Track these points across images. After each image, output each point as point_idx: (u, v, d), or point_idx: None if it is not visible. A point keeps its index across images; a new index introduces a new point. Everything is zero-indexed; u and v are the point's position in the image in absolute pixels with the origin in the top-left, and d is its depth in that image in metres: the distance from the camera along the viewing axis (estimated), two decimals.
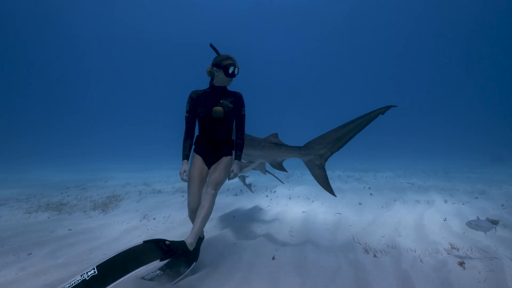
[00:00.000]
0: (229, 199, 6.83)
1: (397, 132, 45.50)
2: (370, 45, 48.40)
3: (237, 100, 3.46)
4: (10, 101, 47.76)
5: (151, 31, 44.70)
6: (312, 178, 10.67)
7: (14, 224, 4.59)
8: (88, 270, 2.15)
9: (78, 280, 2.07)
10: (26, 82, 49.46)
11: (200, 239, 3.38)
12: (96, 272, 2.13)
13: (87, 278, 2.08)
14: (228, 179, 3.45)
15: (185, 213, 5.38)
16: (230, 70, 3.22)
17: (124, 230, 4.28)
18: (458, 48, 46.57)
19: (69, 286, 2.02)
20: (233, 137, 3.62)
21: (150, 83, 56.13)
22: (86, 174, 12.49)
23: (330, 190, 4.56)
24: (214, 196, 3.20)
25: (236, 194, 7.33)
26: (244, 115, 3.52)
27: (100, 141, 36.47)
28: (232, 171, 3.38)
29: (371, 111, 4.37)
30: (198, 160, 3.45)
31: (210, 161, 3.48)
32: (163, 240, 2.63)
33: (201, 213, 3.03)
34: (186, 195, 7.22)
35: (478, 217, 3.88)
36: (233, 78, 3.34)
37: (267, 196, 7.11)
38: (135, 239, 3.87)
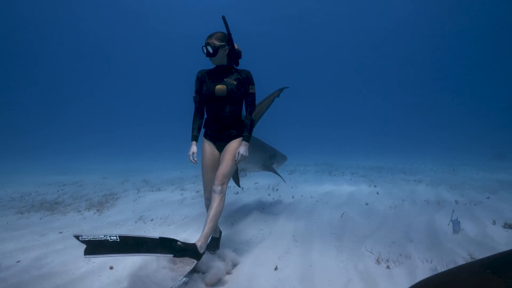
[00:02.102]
0: (230, 197, 6.57)
1: (395, 129, 45.04)
2: (369, 44, 47.73)
3: (243, 78, 3.32)
4: (13, 98, 47.63)
5: (154, 26, 44.06)
6: (314, 175, 10.41)
7: (4, 226, 4.36)
8: (112, 235, 2.43)
9: (101, 237, 2.37)
10: (28, 79, 49.20)
11: (216, 239, 3.50)
12: (118, 240, 2.43)
13: (109, 239, 2.38)
14: (235, 162, 3.31)
15: (183, 214, 5.16)
16: (204, 51, 3.19)
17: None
18: (457, 47, 46.00)
19: (92, 238, 2.33)
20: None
21: (154, 79, 55.73)
22: (85, 170, 12.27)
23: (236, 181, 4.77)
24: (222, 193, 3.19)
25: (237, 193, 7.07)
26: (252, 93, 3.35)
27: (102, 138, 36.26)
28: (239, 153, 3.25)
29: (268, 95, 4.71)
30: (208, 147, 3.43)
31: (220, 144, 3.42)
32: (176, 240, 2.79)
33: (209, 214, 3.06)
34: (185, 193, 7.02)
35: (457, 217, 3.94)
36: (214, 58, 3.21)
37: (269, 194, 6.85)
38: None
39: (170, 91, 53.64)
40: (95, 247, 2.27)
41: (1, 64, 46.28)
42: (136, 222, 4.64)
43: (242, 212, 5.32)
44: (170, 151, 22.11)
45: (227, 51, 3.25)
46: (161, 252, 2.57)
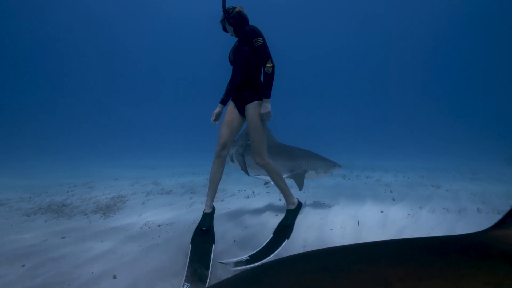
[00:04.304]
0: (240, 202, 6.39)
1: (407, 130, 44.25)
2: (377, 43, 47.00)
3: (244, 36, 3.45)
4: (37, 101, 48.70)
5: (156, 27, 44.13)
6: (327, 179, 10.10)
7: (7, 229, 4.27)
8: (243, 258, 3.04)
9: (236, 260, 2.98)
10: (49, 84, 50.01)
11: (209, 214, 3.65)
12: (249, 258, 3.02)
13: (242, 260, 2.98)
14: (265, 122, 3.56)
15: (191, 218, 5.00)
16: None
17: (120, 240, 3.87)
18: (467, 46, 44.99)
19: (230, 261, 2.97)
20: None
21: (169, 78, 56.17)
22: (99, 170, 12.28)
23: (245, 169, 5.27)
24: (266, 165, 3.66)
25: (248, 197, 6.88)
26: (259, 45, 3.34)
27: (117, 138, 36.62)
28: (262, 114, 3.40)
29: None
30: (230, 107, 3.76)
31: (238, 106, 3.66)
32: (279, 226, 3.57)
33: (276, 186, 3.78)
34: (194, 197, 6.89)
35: None
36: (227, 32, 3.76)
37: (280, 200, 6.61)
38: (131, 253, 3.46)
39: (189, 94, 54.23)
40: (237, 263, 2.91)
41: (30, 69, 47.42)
42: (141, 227, 4.49)
43: (251, 219, 5.10)
44: (187, 151, 22.15)
45: (226, 23, 3.63)
46: (281, 243, 3.26)
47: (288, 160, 5.59)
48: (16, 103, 45.90)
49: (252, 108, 3.45)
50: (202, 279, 2.70)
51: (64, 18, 39.12)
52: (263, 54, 3.30)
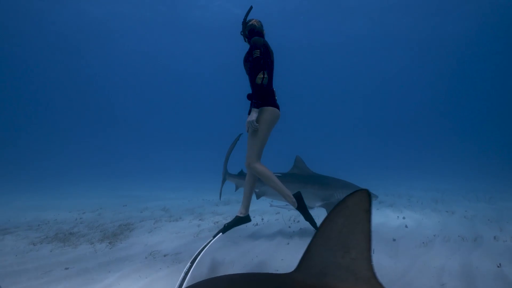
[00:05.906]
0: (249, 230, 6.24)
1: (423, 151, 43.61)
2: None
3: (248, 49, 3.66)
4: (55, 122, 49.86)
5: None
6: None
7: (11, 260, 4.25)
8: None
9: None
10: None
11: (239, 219, 4.32)
12: None
13: None
14: (251, 132, 3.69)
15: (198, 247, 4.84)
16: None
17: (124, 272, 3.78)
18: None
19: None
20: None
21: (189, 98, 56.99)
22: (110, 195, 12.28)
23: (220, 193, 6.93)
24: (254, 168, 3.84)
25: (257, 224, 6.73)
26: (255, 58, 3.46)
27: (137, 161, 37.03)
28: (247, 121, 3.55)
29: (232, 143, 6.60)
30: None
31: None
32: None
33: (273, 189, 4.15)
34: (202, 224, 6.81)
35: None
36: (247, 42, 3.93)
37: (289, 227, 6.45)
38: (134, 286, 3.37)
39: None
40: None
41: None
42: (146, 258, 4.40)
43: (260, 247, 4.92)
44: (198, 172, 22.11)
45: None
46: None
47: (320, 189, 5.54)
48: (32, 124, 47.11)
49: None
50: (195, 258, 3.06)
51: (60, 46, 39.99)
52: (257, 65, 3.45)
